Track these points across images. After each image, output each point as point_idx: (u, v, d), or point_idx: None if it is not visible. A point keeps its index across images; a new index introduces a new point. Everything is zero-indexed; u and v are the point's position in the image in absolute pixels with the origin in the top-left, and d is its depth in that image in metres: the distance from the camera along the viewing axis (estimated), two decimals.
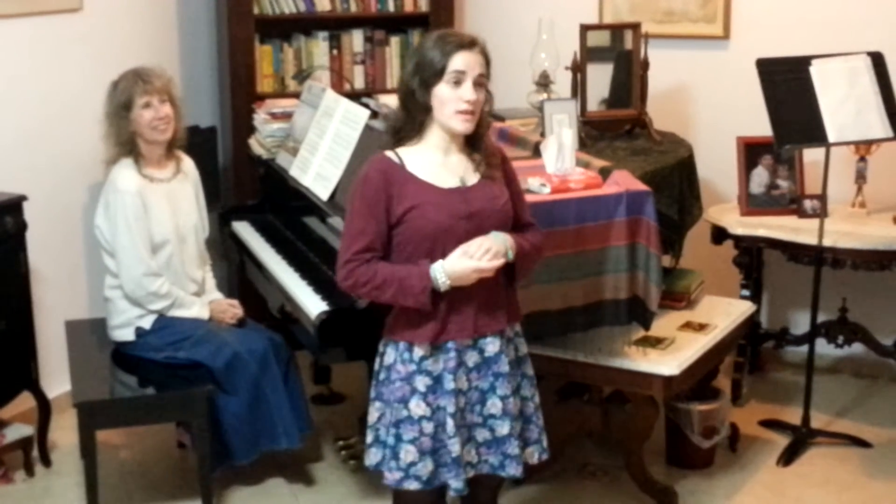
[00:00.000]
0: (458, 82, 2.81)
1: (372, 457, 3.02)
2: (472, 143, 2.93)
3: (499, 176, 2.96)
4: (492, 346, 2.95)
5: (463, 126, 2.84)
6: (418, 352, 2.91)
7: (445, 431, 2.92)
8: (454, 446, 2.92)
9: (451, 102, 2.82)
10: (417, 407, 2.92)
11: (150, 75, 3.89)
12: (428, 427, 2.92)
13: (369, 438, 3.03)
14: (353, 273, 2.88)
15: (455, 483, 2.94)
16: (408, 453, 2.93)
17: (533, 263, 3.05)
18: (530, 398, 3.07)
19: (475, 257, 2.81)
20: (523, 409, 3.04)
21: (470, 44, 2.84)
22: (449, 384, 2.91)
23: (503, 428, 2.96)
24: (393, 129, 2.95)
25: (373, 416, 3.02)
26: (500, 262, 2.84)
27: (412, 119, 2.89)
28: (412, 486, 2.95)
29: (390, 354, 2.97)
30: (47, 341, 4.33)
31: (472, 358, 2.94)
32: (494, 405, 2.96)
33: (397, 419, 2.94)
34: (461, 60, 2.81)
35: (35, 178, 4.31)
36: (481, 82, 2.85)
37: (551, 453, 3.17)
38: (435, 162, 2.91)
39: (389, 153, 2.92)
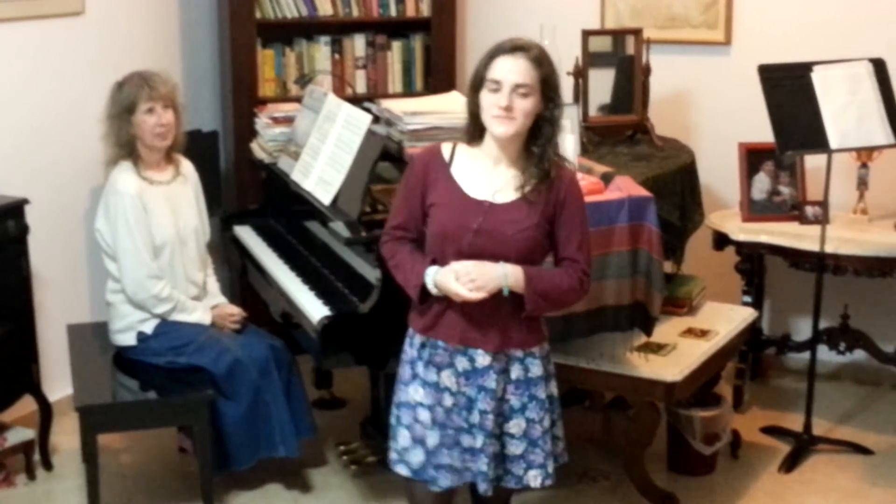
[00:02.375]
0: (495, 91, 2.82)
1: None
2: (528, 160, 2.90)
3: (541, 202, 2.88)
4: (481, 358, 2.93)
5: (497, 129, 2.84)
6: (418, 339, 2.97)
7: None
8: (430, 439, 2.94)
9: (488, 108, 2.85)
10: (416, 392, 2.96)
11: (155, 81, 3.88)
12: (423, 414, 2.95)
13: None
14: (384, 245, 3.05)
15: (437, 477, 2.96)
16: (403, 437, 2.98)
17: (551, 304, 2.94)
18: (538, 421, 2.98)
19: (460, 281, 2.82)
20: (529, 432, 2.98)
21: (513, 49, 2.83)
22: (431, 376, 2.93)
23: (477, 441, 2.94)
24: (464, 129, 2.99)
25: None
26: (479, 295, 2.81)
27: (472, 122, 2.93)
28: (403, 471, 2.99)
29: (407, 337, 3.03)
30: (49, 345, 4.32)
31: (461, 363, 2.94)
32: (475, 416, 2.94)
33: (399, 401, 3.01)
34: (498, 69, 2.82)
35: (37, 181, 4.31)
36: (525, 93, 2.81)
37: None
38: (481, 169, 2.92)
39: (445, 146, 2.98)
